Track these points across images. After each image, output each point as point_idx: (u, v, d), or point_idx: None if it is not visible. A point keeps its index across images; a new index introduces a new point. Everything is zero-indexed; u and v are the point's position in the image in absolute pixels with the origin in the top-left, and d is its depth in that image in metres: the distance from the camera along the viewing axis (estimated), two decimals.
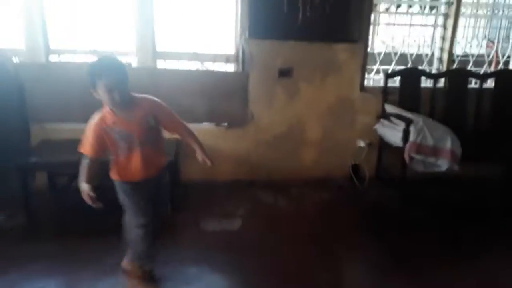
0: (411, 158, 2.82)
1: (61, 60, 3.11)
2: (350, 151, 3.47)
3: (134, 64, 3.09)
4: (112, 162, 1.82)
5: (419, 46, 3.68)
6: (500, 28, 3.84)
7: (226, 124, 3.23)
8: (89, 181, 1.72)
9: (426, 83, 3.43)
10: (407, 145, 2.80)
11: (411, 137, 2.80)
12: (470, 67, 3.66)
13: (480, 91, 3.37)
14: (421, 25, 3.79)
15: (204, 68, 3.29)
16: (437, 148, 2.78)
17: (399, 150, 2.89)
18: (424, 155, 2.81)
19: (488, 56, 3.72)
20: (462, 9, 3.42)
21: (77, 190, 1.74)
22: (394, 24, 3.73)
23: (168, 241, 2.44)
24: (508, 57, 3.68)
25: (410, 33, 3.60)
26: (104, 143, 1.73)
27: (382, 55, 3.59)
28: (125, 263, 1.99)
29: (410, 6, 4.08)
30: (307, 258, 2.33)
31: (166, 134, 1.95)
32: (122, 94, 1.66)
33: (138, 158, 1.78)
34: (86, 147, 1.73)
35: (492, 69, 3.62)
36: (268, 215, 2.84)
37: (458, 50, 3.87)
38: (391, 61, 3.56)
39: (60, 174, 3.01)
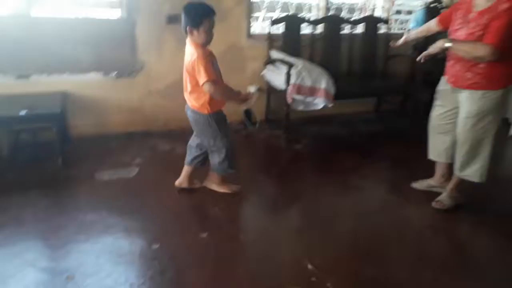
0: (293, 99, 3.13)
1: None
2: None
3: (6, 12, 2.81)
4: (207, 99, 2.17)
5: None
6: None
7: (114, 73, 3.16)
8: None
9: (307, 29, 3.72)
10: (289, 87, 3.09)
11: (292, 80, 3.08)
12: (344, 14, 4.04)
13: (352, 36, 3.78)
14: None
15: (86, 15, 3.12)
16: (313, 88, 3.11)
17: (284, 93, 3.17)
18: (303, 95, 3.13)
19: (359, 4, 4.14)
20: None
21: None
22: None
23: (62, 194, 2.44)
24: (375, 5, 4.12)
25: None
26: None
27: (267, 2, 3.75)
28: (211, 179, 2.51)
29: None
30: (204, 196, 2.52)
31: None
32: (213, 34, 2.12)
33: (224, 86, 2.23)
34: (212, 74, 2.07)
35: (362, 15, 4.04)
36: (166, 161, 2.94)
37: None
38: (276, 9, 3.75)
39: None
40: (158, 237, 2.08)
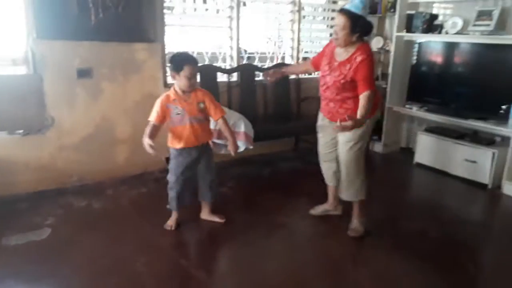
0: (214, 143, 3.18)
1: None
2: (164, 145, 3.64)
3: None
4: (169, 132, 2.52)
5: (214, 45, 4.11)
6: (279, 29, 4.59)
7: (21, 131, 2.97)
8: (150, 137, 2.36)
9: (222, 77, 3.87)
10: None
11: (211, 125, 3.14)
12: (256, 62, 4.30)
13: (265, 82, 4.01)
14: (213, 26, 4.21)
15: None
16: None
17: None
18: (224, 139, 3.21)
19: (270, 53, 4.44)
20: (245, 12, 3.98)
21: None
22: (191, 26, 4.06)
23: None
24: (284, 53, 4.46)
25: (206, 34, 3.99)
26: (164, 114, 2.44)
27: None
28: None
29: (206, 10, 4.48)
30: (123, 250, 2.40)
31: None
32: (194, 82, 2.41)
33: (187, 130, 2.47)
34: (153, 116, 2.44)
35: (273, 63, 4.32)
36: (81, 219, 2.77)
37: (249, 48, 4.49)
38: None
39: None
40: None
